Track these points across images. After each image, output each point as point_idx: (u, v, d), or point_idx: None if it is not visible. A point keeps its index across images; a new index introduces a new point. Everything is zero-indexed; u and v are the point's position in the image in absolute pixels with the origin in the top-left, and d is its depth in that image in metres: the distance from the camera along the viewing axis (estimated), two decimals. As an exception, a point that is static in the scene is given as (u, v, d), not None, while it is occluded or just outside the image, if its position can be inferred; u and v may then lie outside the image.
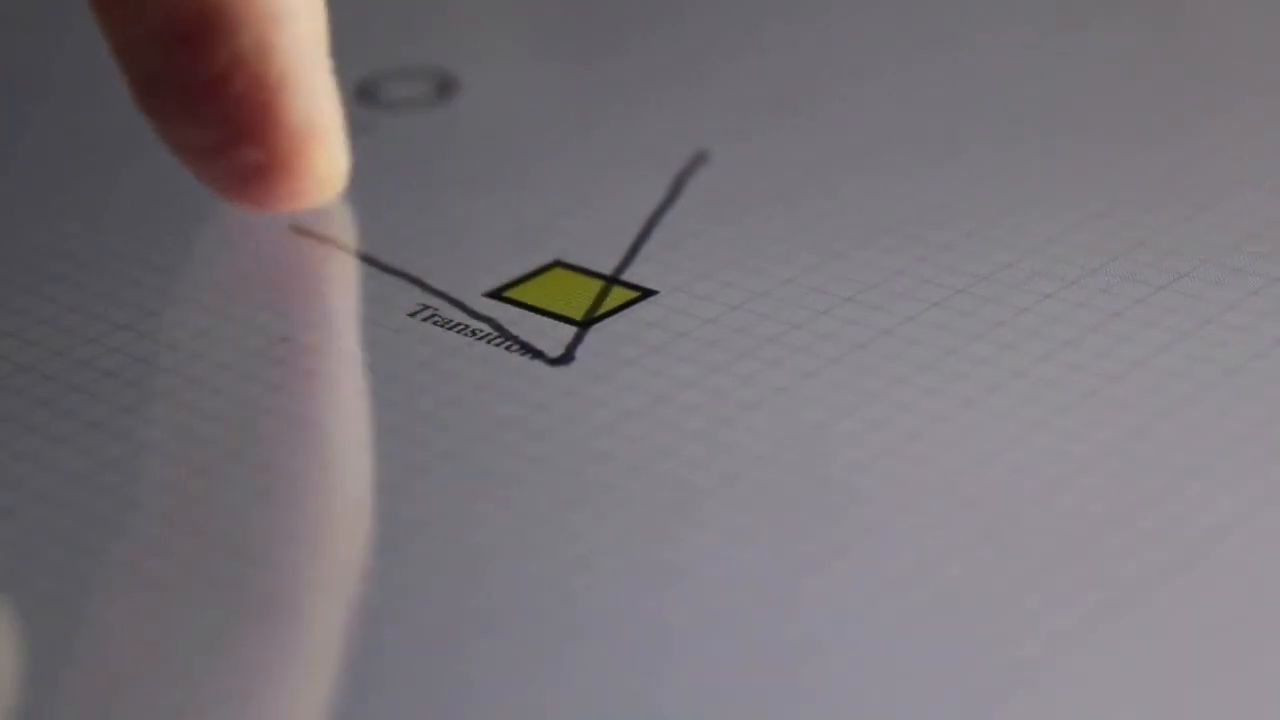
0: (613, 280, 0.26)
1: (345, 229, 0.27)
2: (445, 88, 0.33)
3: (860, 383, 0.23)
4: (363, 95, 0.32)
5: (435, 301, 0.26)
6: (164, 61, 0.24)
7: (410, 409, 0.23)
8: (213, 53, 0.24)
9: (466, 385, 0.24)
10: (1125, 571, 0.20)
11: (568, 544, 0.21)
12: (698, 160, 0.27)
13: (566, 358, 0.24)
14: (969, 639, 0.19)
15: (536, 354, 0.24)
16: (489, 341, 0.25)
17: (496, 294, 0.26)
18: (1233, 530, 0.21)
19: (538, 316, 0.25)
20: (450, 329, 0.25)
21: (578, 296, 0.26)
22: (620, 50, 0.35)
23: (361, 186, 0.28)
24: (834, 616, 0.20)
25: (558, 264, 0.27)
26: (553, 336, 0.25)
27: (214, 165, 0.25)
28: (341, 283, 0.26)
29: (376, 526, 0.21)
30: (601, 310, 0.25)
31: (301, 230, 0.27)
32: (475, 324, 0.25)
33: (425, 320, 0.25)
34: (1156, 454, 0.22)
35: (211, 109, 0.24)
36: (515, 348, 0.24)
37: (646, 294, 0.26)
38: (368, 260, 0.27)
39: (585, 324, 0.25)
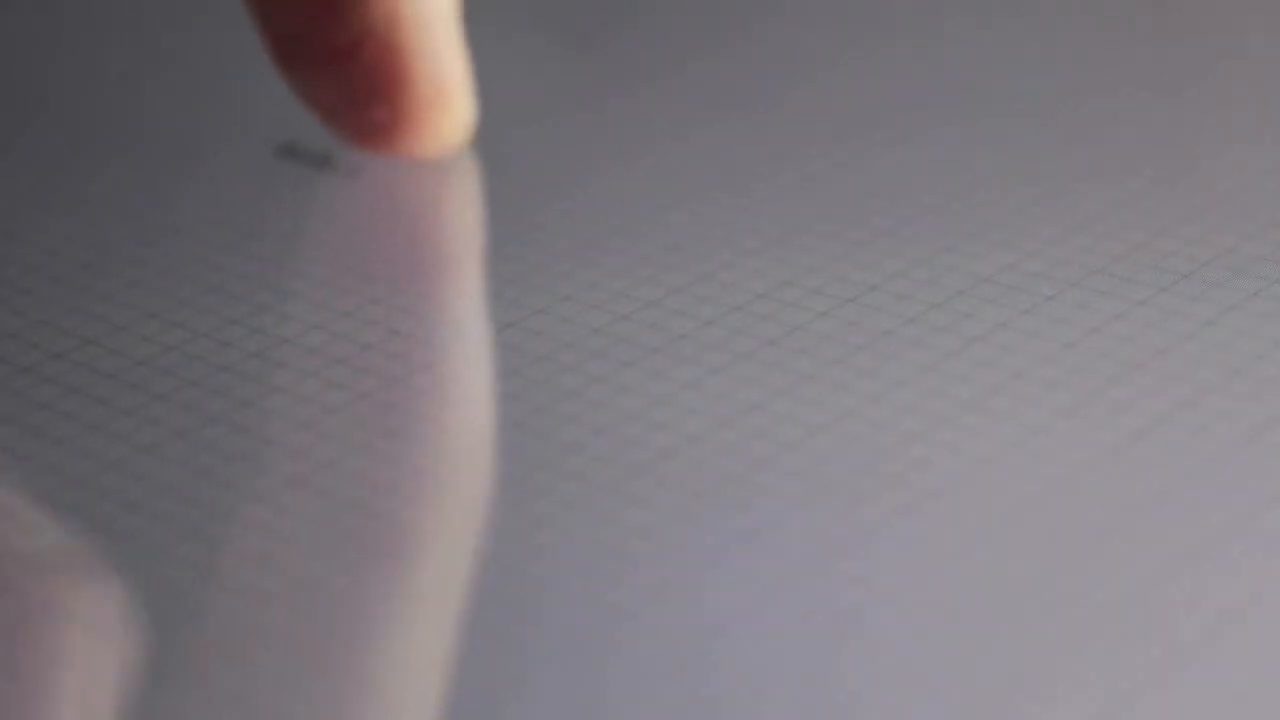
0: None
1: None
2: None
3: (861, 385, 0.23)
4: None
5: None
6: (301, 24, 0.27)
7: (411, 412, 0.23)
8: (347, 21, 0.26)
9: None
10: (1126, 573, 0.20)
11: (569, 546, 0.21)
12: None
13: None
14: (968, 643, 0.19)
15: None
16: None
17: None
18: (1234, 533, 0.21)
19: (537, 317, 0.25)
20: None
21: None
22: (615, 44, 0.35)
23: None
24: (835, 617, 0.20)
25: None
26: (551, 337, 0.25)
27: (343, 119, 0.28)
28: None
29: (381, 529, 0.21)
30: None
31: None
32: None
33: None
34: (1158, 457, 0.22)
35: (343, 71, 0.27)
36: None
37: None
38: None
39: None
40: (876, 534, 0.21)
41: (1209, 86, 0.32)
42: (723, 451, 0.22)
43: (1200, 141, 0.30)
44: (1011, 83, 0.32)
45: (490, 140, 0.30)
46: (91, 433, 0.23)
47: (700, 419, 0.23)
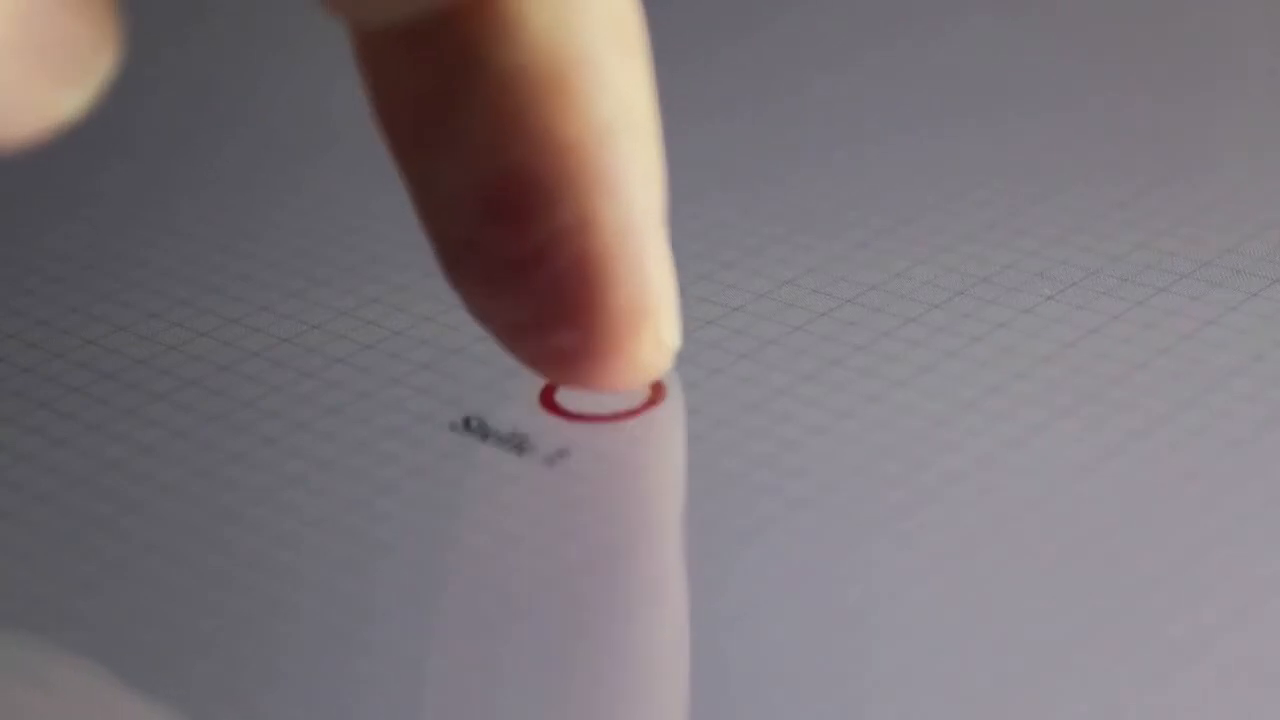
0: None
1: None
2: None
3: (861, 385, 0.23)
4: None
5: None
6: (475, 230, 0.21)
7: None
8: (531, 225, 0.21)
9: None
10: (1125, 574, 0.20)
11: (568, 543, 0.21)
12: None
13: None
14: (968, 643, 0.19)
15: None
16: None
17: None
18: (1233, 533, 0.21)
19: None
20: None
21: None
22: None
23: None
24: (835, 616, 0.20)
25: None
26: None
27: (525, 343, 0.22)
28: None
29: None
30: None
31: None
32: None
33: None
34: (1157, 457, 0.22)
35: (525, 287, 0.21)
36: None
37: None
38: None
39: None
40: (876, 533, 0.21)
41: (1209, 86, 0.32)
42: (723, 451, 0.22)
43: (1200, 141, 0.30)
44: (1012, 82, 0.32)
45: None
46: (91, 433, 0.23)
47: (701, 419, 0.23)
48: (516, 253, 0.21)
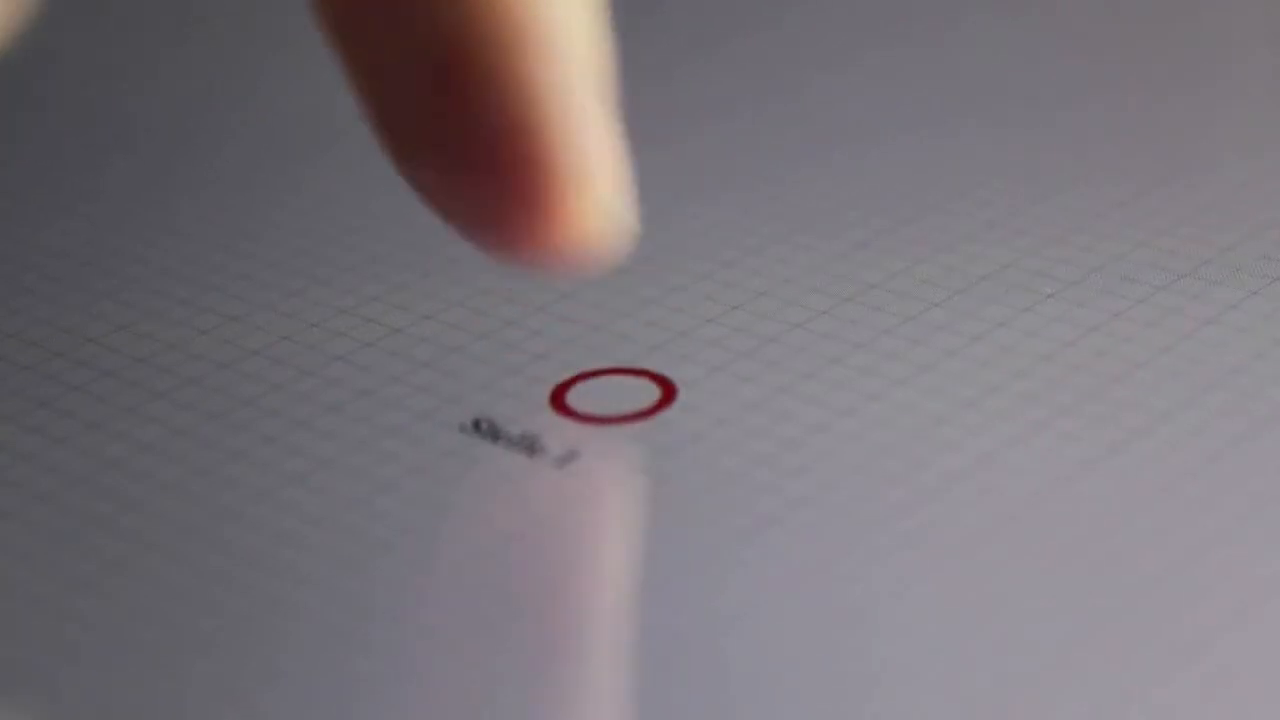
0: None
1: None
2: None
3: (861, 384, 0.23)
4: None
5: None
6: (410, 95, 0.21)
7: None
8: (468, 88, 0.20)
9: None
10: (1125, 574, 0.20)
11: (576, 543, 0.21)
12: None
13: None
14: (968, 642, 0.19)
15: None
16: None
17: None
18: (1233, 533, 0.21)
19: (537, 315, 0.25)
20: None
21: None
22: (614, 45, 0.35)
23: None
24: (836, 614, 0.20)
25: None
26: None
27: (458, 208, 0.22)
28: None
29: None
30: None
31: None
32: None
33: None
34: (1157, 456, 0.22)
35: (460, 149, 0.21)
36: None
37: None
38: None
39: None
40: (876, 532, 0.21)
41: (1209, 86, 0.32)
42: (722, 449, 0.22)
43: (1200, 141, 0.30)
44: (1012, 82, 0.32)
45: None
46: (91, 431, 0.23)
47: (701, 417, 0.23)
48: (452, 114, 0.21)
